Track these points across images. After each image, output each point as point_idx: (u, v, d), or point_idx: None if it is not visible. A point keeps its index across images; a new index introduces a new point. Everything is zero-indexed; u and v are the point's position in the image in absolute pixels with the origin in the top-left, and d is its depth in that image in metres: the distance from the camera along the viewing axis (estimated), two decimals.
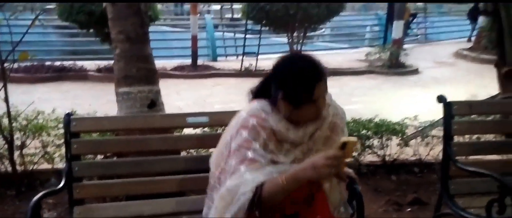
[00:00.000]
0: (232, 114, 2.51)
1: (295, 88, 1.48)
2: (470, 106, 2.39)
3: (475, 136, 3.17)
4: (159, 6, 10.17)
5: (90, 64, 9.68)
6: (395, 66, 9.81)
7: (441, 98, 2.32)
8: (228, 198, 1.45)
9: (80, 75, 9.04)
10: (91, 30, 8.55)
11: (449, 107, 2.30)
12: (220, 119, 2.36)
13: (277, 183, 1.38)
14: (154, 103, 2.84)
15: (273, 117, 1.54)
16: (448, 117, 2.32)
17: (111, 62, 9.54)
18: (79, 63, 9.75)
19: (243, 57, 10.14)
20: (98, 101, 6.60)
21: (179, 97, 7.52)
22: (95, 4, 7.56)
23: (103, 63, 9.55)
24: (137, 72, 2.74)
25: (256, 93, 1.64)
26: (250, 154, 1.48)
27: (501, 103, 2.81)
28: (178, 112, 2.41)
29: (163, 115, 2.52)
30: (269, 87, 1.56)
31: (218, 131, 3.09)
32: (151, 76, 2.84)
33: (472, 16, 12.51)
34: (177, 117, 2.20)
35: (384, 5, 13.70)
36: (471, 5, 12.77)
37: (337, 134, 1.63)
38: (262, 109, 1.55)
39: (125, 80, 2.76)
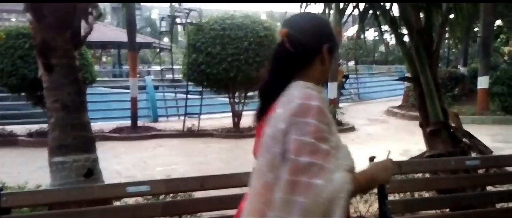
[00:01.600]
0: (176, 181, 2.51)
1: (333, 36, 1.48)
2: (400, 166, 2.55)
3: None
4: (96, 67, 10.02)
5: (20, 129, 9.14)
6: None
7: (372, 159, 2.46)
8: (326, 205, 1.23)
9: (9, 141, 8.47)
10: (22, 94, 8.19)
11: None
12: (162, 187, 2.32)
13: (359, 182, 1.35)
14: (91, 172, 2.75)
15: (317, 88, 1.40)
16: None
17: (44, 125, 9.07)
18: (8, 127, 9.17)
19: (185, 117, 10.10)
20: (28, 168, 6.19)
21: (117, 160, 7.24)
22: (28, 68, 7.34)
23: (34, 127, 9.06)
24: (73, 140, 2.67)
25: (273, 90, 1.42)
26: (324, 146, 1.27)
27: (428, 162, 3.03)
28: (117, 182, 2.34)
29: (101, 186, 2.43)
30: (284, 69, 1.42)
31: (161, 199, 3.02)
32: (88, 144, 2.77)
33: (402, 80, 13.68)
34: (116, 186, 2.14)
35: None
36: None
37: None
38: (306, 87, 1.38)
39: (60, 149, 2.67)
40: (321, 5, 3.39)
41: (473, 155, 3.41)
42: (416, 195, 3.39)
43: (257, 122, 1.48)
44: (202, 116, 10.06)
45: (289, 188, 1.25)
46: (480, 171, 3.15)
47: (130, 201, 2.92)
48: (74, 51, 2.69)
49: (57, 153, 2.68)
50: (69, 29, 2.63)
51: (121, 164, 6.98)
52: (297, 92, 1.35)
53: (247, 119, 10.02)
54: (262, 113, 1.45)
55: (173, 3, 11.21)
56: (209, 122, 10.66)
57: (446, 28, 3.61)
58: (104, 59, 40.83)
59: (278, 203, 1.27)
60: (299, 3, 3.39)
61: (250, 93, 10.13)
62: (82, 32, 2.82)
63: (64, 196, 2.03)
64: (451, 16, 3.74)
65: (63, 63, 2.62)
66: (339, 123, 10.36)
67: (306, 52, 1.40)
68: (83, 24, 2.87)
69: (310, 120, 1.27)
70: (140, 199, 3.07)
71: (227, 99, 9.90)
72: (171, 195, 3.41)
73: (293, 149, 1.26)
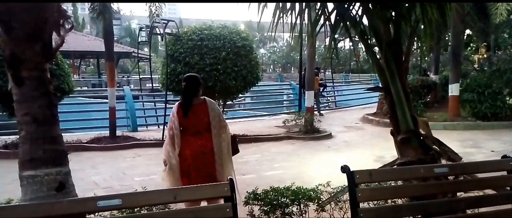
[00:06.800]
0: (148, 194, 2.50)
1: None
2: (371, 174, 2.60)
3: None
4: (75, 77, 9.89)
5: None
6: (310, 132, 10.32)
7: (344, 169, 2.52)
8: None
9: None
10: None
11: (352, 176, 2.50)
12: (135, 200, 2.30)
13: None
14: (63, 185, 2.72)
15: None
16: (352, 186, 2.50)
17: None
18: None
19: (164, 126, 10.03)
20: (3, 180, 6.06)
21: (95, 171, 7.13)
22: (3, 79, 7.19)
23: (11, 138, 8.87)
24: (44, 154, 2.63)
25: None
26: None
27: (398, 170, 3.09)
28: (92, 193, 2.32)
29: (70, 201, 2.39)
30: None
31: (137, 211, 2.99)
32: (60, 157, 2.73)
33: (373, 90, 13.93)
34: (86, 201, 2.11)
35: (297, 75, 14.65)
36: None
37: None
38: None
39: (31, 163, 2.63)
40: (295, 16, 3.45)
41: (443, 161, 3.50)
42: (389, 202, 3.45)
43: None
44: None
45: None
46: (451, 178, 3.23)
47: (106, 213, 2.89)
48: (45, 63, 2.67)
49: (27, 166, 2.64)
50: (40, 42, 2.60)
51: (99, 174, 6.89)
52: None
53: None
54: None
55: (152, 13, 11.14)
56: None
57: (415, 39, 3.71)
58: (83, 68, 40.23)
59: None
60: (273, 12, 3.45)
61: (228, 102, 10.14)
62: (54, 44, 2.79)
63: (32, 211, 1.99)
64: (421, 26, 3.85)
65: (34, 76, 2.59)
66: (317, 130, 10.48)
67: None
68: (55, 36, 2.85)
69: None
70: (115, 212, 3.04)
71: None
72: (147, 207, 3.39)
73: (222, 118, 4.15)
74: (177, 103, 4.03)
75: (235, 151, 4.25)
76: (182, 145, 3.89)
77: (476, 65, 17.11)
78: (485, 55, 16.35)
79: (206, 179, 3.67)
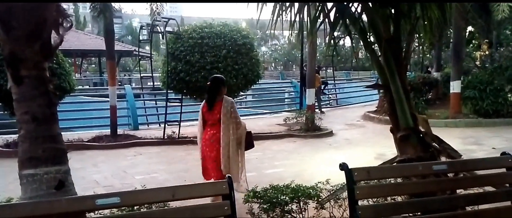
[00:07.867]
0: (146, 192, 2.51)
1: None
2: (369, 172, 2.61)
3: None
4: (77, 75, 9.91)
5: None
6: (312, 130, 10.32)
7: (342, 166, 2.52)
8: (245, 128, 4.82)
9: None
10: None
11: (350, 174, 2.50)
12: (133, 199, 2.31)
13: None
14: (62, 184, 2.72)
15: None
16: (351, 183, 2.51)
17: None
18: None
19: (165, 125, 10.05)
20: (5, 180, 6.07)
21: (96, 170, 7.15)
22: (4, 78, 7.20)
23: (12, 137, 8.90)
24: (44, 153, 2.63)
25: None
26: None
27: (396, 167, 3.09)
28: (92, 192, 2.33)
29: (69, 199, 2.40)
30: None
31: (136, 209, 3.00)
32: (59, 156, 2.74)
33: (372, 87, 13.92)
34: (85, 199, 2.13)
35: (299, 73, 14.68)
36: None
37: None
38: None
39: (30, 162, 2.64)
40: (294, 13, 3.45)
41: (443, 159, 3.50)
42: (388, 199, 3.45)
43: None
44: (182, 123, 10.03)
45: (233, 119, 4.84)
46: (450, 175, 3.23)
47: (106, 211, 2.89)
48: (44, 62, 2.68)
49: (27, 165, 2.64)
50: (39, 41, 2.61)
51: (100, 173, 6.91)
52: (226, 97, 4.88)
53: None
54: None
55: (154, 12, 11.13)
56: (189, 129, 10.65)
57: (416, 36, 3.71)
58: (85, 67, 40.28)
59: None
60: (272, 10, 3.45)
61: None
62: (53, 43, 2.80)
63: (31, 210, 2.00)
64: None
65: (33, 75, 2.59)
66: (318, 128, 10.48)
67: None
68: (54, 34, 2.85)
69: (235, 106, 4.84)
70: (115, 210, 3.04)
71: None
72: (146, 205, 3.40)
73: (234, 114, 4.76)
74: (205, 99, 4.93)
75: (250, 145, 4.92)
76: (203, 132, 4.80)
77: (478, 62, 17.07)
78: (487, 52, 16.30)
79: (216, 164, 4.65)
